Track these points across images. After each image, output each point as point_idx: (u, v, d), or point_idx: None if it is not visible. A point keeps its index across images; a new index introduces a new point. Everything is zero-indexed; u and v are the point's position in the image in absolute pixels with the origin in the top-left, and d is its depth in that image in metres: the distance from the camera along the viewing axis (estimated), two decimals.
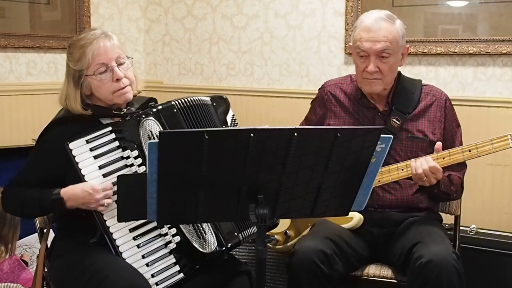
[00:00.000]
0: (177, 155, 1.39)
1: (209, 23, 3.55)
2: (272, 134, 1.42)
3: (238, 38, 3.46)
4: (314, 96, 2.42)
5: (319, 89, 2.40)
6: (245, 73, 3.47)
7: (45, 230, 2.03)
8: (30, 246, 2.86)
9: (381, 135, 1.49)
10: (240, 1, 3.44)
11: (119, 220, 1.69)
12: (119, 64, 1.90)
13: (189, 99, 1.92)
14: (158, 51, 3.76)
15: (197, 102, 1.93)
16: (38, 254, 1.96)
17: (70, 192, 1.81)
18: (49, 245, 2.00)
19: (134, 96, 1.99)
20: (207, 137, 1.36)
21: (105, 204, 1.78)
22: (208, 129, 1.39)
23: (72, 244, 1.88)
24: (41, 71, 3.22)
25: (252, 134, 1.38)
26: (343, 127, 1.46)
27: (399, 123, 2.18)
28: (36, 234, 2.13)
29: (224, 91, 3.45)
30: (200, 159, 1.39)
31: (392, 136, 1.54)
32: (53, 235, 2.07)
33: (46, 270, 1.96)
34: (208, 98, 1.99)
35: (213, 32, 3.55)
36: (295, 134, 1.40)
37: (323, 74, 3.20)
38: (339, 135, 1.44)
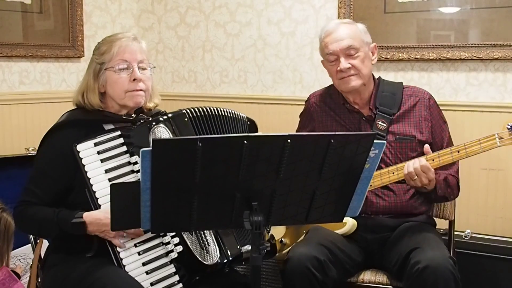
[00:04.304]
0: (171, 163, 1.38)
1: (202, 31, 3.56)
2: (266, 141, 1.42)
3: (232, 45, 3.47)
4: None
5: (305, 102, 2.43)
6: (239, 80, 3.47)
7: (38, 240, 2.01)
8: (24, 256, 2.82)
9: (375, 141, 1.49)
10: (233, 8, 3.44)
11: (112, 229, 1.67)
12: (141, 69, 1.93)
13: (203, 108, 1.94)
14: (151, 59, 3.70)
15: (213, 113, 1.94)
16: (31, 265, 1.94)
17: (93, 216, 1.77)
18: (42, 255, 1.98)
19: (149, 109, 2.00)
20: (200, 144, 1.35)
21: (124, 236, 1.77)
22: (201, 136, 1.38)
23: (67, 254, 1.86)
24: (34, 80, 3.20)
25: (245, 141, 1.38)
26: (336, 133, 1.46)
27: (385, 125, 2.20)
28: (29, 245, 2.10)
29: (218, 99, 3.46)
30: (194, 167, 1.38)
31: (385, 141, 1.55)
32: (47, 244, 2.05)
33: (39, 280, 1.95)
34: (244, 116, 2.04)
35: (206, 40, 3.55)
36: (289, 140, 1.40)
37: (316, 81, 3.21)
38: (332, 141, 1.44)
